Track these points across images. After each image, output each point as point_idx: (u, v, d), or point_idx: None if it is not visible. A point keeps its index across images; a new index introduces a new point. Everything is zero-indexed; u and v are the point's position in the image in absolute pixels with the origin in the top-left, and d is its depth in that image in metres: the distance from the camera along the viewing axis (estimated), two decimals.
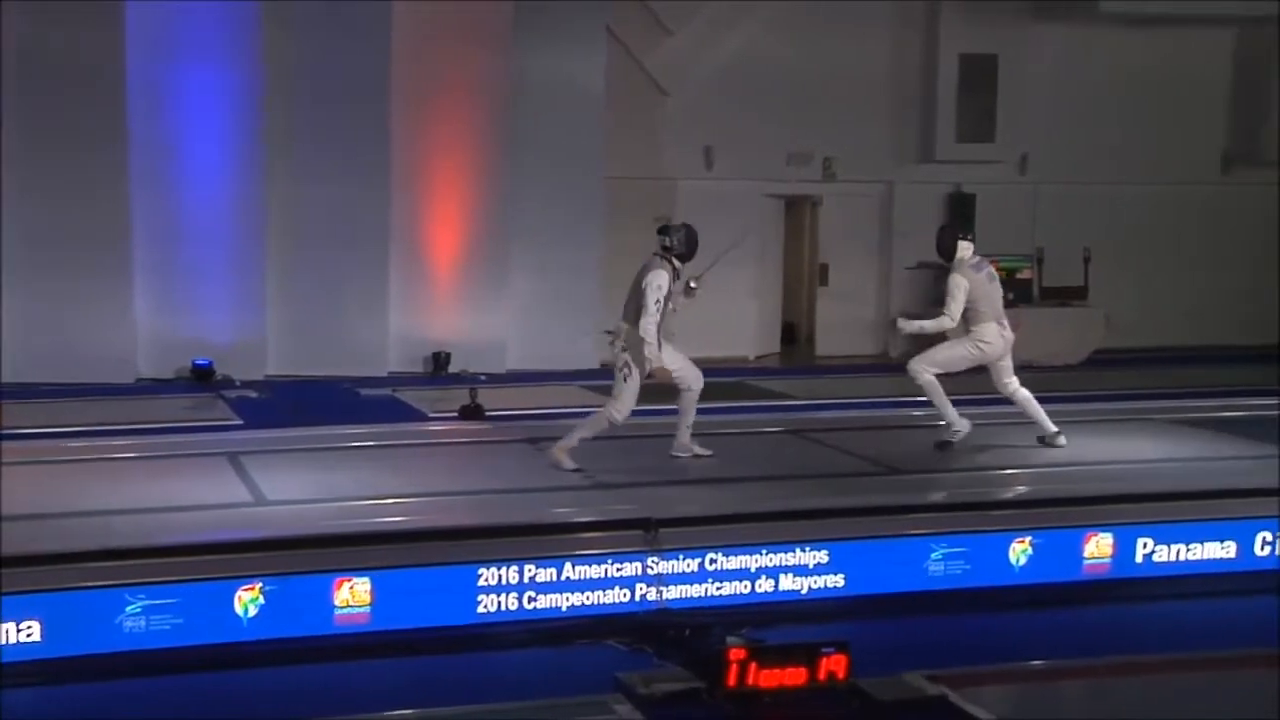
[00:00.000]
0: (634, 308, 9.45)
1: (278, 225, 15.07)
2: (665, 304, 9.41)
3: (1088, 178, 17.75)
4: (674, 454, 9.92)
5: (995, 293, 10.41)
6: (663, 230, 9.64)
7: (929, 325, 10.40)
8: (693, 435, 9.96)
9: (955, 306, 10.25)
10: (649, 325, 9.31)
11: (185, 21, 14.63)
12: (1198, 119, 18.72)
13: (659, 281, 9.34)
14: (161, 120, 14.67)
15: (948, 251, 10.41)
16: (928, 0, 17.56)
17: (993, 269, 10.52)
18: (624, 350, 9.43)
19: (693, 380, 9.75)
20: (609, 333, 9.67)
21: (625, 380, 9.45)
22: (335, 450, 10.43)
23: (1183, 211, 18.68)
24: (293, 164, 15.03)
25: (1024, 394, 10.50)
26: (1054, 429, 10.52)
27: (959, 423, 10.43)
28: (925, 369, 10.36)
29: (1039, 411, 10.53)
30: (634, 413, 9.55)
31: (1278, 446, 10.44)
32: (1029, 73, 17.73)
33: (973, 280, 10.28)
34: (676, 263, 9.50)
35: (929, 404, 10.57)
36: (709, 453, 9.94)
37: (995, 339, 10.32)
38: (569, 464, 9.51)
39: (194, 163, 14.83)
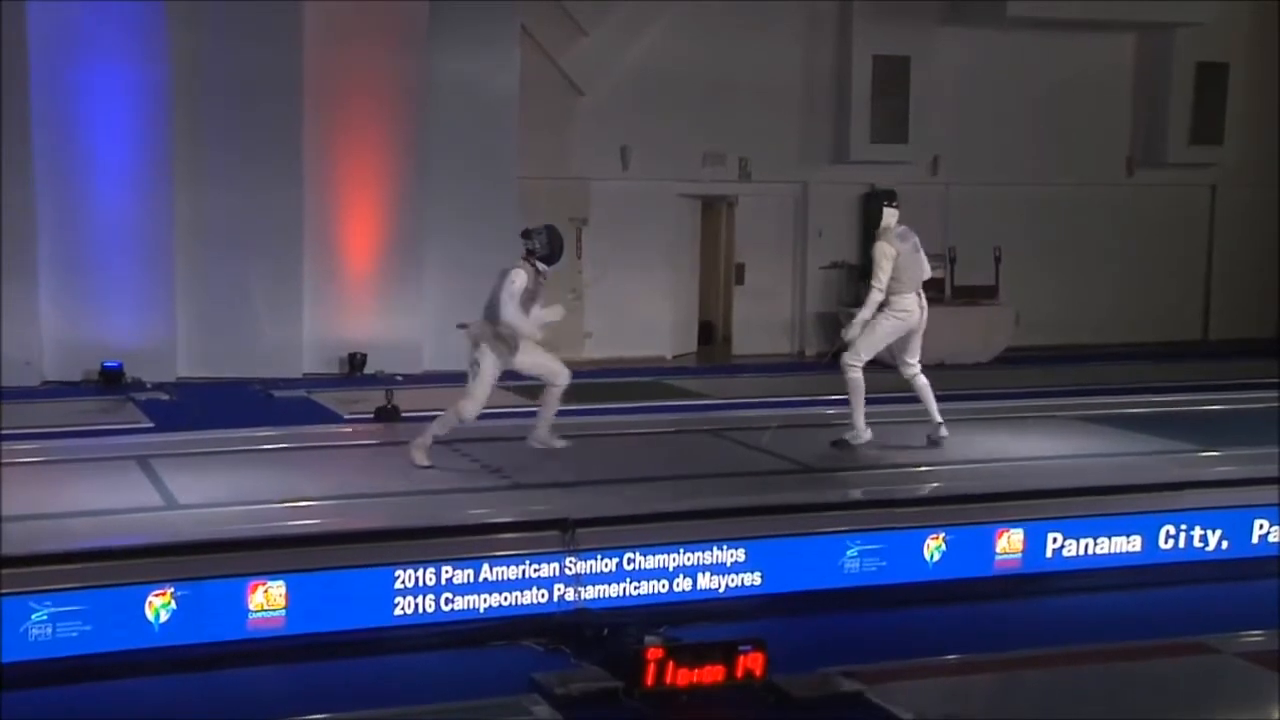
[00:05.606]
0: (493, 306, 9.49)
1: (187, 225, 14.85)
2: (530, 303, 9.49)
3: (997, 179, 18.03)
4: (531, 443, 10.01)
5: (918, 264, 10.39)
6: (525, 234, 9.63)
7: (865, 315, 10.30)
8: (552, 429, 10.01)
9: (883, 275, 10.18)
10: (509, 313, 9.34)
11: (90, 20, 14.35)
12: (1102, 121, 19.11)
13: (517, 279, 9.40)
14: (67, 120, 14.40)
15: (872, 218, 10.38)
16: (840, 1, 17.74)
17: (918, 239, 10.45)
18: (475, 348, 9.50)
19: (558, 376, 9.78)
20: (461, 326, 9.72)
21: (474, 378, 9.53)
22: (248, 453, 10.30)
23: (1089, 212, 19.06)
24: (203, 163, 14.82)
25: (923, 381, 10.51)
26: (939, 420, 10.53)
27: (863, 431, 10.47)
28: (855, 363, 10.35)
29: (931, 402, 10.54)
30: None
31: (1180, 442, 10.69)
32: (940, 75, 17.97)
33: (898, 249, 10.24)
34: (541, 265, 9.53)
35: (845, 402, 10.63)
36: (564, 443, 9.96)
37: (914, 308, 10.33)
38: (424, 461, 9.56)
39: (100, 163, 14.56)
